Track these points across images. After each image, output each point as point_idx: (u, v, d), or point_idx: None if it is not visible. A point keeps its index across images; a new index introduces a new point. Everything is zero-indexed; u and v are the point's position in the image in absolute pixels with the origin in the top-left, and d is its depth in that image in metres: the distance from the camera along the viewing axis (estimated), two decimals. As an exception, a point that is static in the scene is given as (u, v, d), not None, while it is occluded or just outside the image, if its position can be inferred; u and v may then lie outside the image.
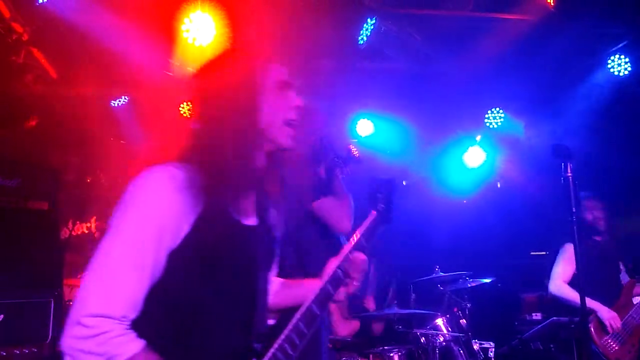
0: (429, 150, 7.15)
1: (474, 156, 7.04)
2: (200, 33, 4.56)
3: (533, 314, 5.50)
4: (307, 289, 1.73)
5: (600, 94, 6.10)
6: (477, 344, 4.87)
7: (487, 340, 5.07)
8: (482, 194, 7.18)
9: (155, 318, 1.47)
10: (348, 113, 7.04)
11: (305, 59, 6.10)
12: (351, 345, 5.31)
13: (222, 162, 1.55)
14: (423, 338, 4.55)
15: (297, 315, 1.58)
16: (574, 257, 4.34)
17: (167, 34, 4.61)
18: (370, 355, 4.84)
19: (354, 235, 1.76)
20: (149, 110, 6.73)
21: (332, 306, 5.74)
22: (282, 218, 1.71)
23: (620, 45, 5.81)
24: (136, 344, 1.41)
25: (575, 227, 2.66)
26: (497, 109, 6.78)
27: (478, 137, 7.10)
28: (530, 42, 5.62)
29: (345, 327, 5.66)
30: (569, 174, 2.72)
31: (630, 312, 4.13)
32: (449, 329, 4.74)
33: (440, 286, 5.29)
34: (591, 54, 5.97)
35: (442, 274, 5.31)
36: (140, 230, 1.45)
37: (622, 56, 5.80)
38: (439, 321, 4.76)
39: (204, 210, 1.51)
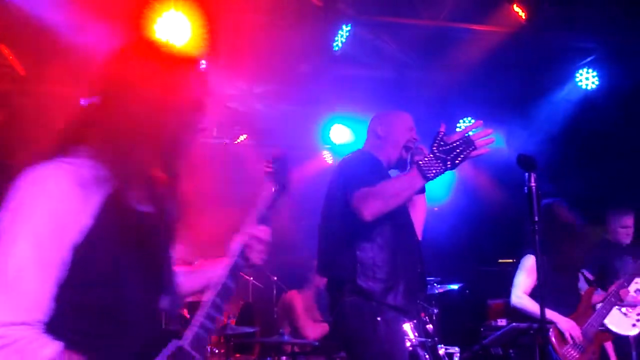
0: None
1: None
2: (174, 33, 4.52)
3: (499, 320, 5.59)
4: (217, 267, 1.74)
5: (567, 107, 6.24)
6: (443, 349, 4.93)
7: (454, 345, 5.14)
8: (452, 201, 7.26)
9: (69, 316, 1.45)
10: (323, 119, 7.08)
11: (281, 63, 6.12)
12: (319, 348, 5.32)
13: (128, 155, 1.52)
14: (390, 343, 4.57)
15: (215, 292, 1.64)
16: (534, 269, 4.43)
17: (140, 33, 4.56)
18: (338, 359, 4.86)
19: (256, 209, 1.80)
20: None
21: (300, 310, 5.76)
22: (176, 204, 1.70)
23: (589, 59, 5.96)
24: (53, 347, 1.38)
25: (537, 237, 2.71)
26: (469, 118, 6.88)
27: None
28: (502, 53, 5.72)
29: (314, 331, 5.68)
30: (533, 184, 2.76)
31: (589, 320, 4.20)
32: (416, 334, 4.78)
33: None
34: (560, 67, 6.11)
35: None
36: (39, 229, 1.40)
37: (590, 70, 5.94)
38: (407, 326, 4.79)
39: (103, 202, 1.49)
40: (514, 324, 4.34)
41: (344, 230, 2.89)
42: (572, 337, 4.08)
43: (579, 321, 4.16)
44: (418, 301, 3.18)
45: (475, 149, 2.53)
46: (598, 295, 4.37)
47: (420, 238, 3.28)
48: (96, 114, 1.56)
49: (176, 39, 4.55)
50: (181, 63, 1.65)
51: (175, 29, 4.49)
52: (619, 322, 4.30)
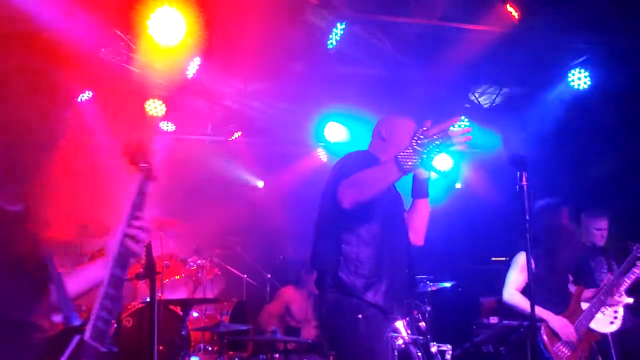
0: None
1: (441, 163, 7.13)
2: (168, 30, 4.50)
3: (490, 318, 5.62)
4: (103, 263, 1.74)
5: (560, 107, 6.28)
6: (436, 347, 4.95)
7: (446, 342, 5.16)
8: (445, 200, 7.30)
9: None
10: (317, 117, 7.08)
11: (276, 61, 6.12)
12: (313, 346, 5.35)
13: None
14: (382, 340, 4.58)
15: (105, 283, 1.65)
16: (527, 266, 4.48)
17: (130, 29, 4.53)
18: (331, 357, 4.88)
19: (130, 196, 1.81)
20: (113, 106, 6.63)
21: (296, 304, 5.78)
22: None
23: (581, 59, 5.99)
24: None
25: (528, 235, 2.75)
26: (462, 117, 6.90)
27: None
28: (495, 53, 5.75)
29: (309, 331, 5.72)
30: (524, 183, 2.80)
31: (579, 319, 4.26)
32: (409, 331, 4.80)
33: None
34: (553, 67, 6.14)
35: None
36: None
37: (583, 70, 5.98)
38: (399, 324, 4.81)
39: None
40: (505, 321, 4.38)
41: (333, 224, 2.92)
42: (564, 336, 4.14)
43: (569, 320, 4.22)
44: (405, 302, 3.19)
45: (452, 145, 2.54)
46: (587, 294, 4.43)
47: (422, 243, 3.31)
48: None
49: (170, 36, 4.54)
50: (48, 56, 1.60)
51: (169, 26, 4.47)
52: (597, 320, 4.38)
